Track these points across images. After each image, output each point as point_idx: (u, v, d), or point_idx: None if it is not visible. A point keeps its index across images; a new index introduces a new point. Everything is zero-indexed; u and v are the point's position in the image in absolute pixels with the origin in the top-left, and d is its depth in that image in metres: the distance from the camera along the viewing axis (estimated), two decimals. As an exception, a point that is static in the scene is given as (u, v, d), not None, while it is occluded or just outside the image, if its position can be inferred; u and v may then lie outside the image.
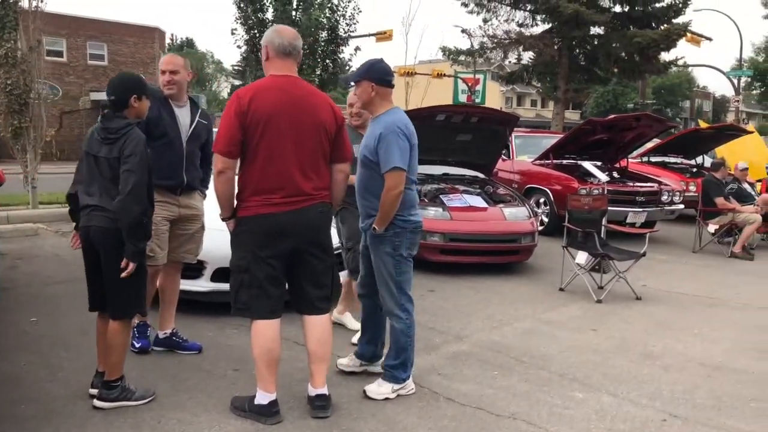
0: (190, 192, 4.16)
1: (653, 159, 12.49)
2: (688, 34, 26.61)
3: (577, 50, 18.03)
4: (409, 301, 3.76)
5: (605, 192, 8.91)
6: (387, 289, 3.72)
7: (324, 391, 3.39)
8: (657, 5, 17.42)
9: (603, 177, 7.57)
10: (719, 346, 4.91)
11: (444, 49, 19.00)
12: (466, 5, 18.36)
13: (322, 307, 3.42)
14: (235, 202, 3.27)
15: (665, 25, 17.36)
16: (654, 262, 8.16)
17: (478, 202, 7.35)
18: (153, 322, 4.33)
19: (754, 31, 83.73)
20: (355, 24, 11.86)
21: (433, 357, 4.39)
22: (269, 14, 11.07)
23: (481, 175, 8.34)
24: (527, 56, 18.84)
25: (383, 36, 29.49)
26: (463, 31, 18.59)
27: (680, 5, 17.26)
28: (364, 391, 3.68)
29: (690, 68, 56.32)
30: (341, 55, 12.21)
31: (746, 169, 9.69)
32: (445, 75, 37.67)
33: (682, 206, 9.76)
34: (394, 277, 3.67)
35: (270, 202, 3.19)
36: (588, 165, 7.99)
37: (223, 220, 3.35)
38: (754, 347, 4.93)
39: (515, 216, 7.27)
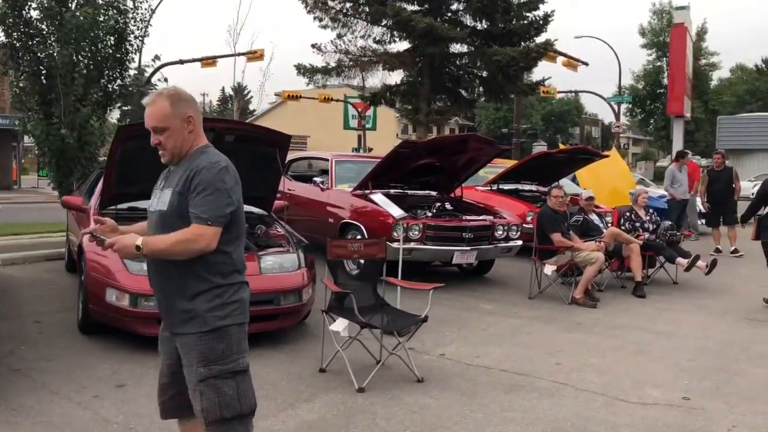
0: None
1: (505, 186, 11.13)
2: (564, 58, 26.43)
3: (439, 70, 16.80)
4: None
5: (425, 228, 7.36)
6: None
7: None
8: (519, 23, 16.50)
9: (396, 212, 5.96)
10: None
11: (299, 67, 17.30)
12: (320, 20, 16.81)
13: None
14: None
15: (527, 43, 16.45)
16: (475, 315, 6.60)
17: (230, 248, 5.48)
18: None
19: (634, 60, 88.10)
20: (148, 28, 9.86)
21: None
22: (34, 12, 9.01)
23: (259, 211, 6.52)
24: (384, 75, 17.47)
25: (254, 56, 27.56)
26: (314, 46, 16.93)
27: (541, 23, 16.41)
28: None
29: (578, 95, 57.95)
30: (131, 65, 10.18)
31: (592, 198, 8.37)
32: (332, 99, 36.14)
33: (520, 242, 8.25)
34: None
35: None
36: (378, 197, 6.37)
37: None
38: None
39: (279, 267, 5.47)
